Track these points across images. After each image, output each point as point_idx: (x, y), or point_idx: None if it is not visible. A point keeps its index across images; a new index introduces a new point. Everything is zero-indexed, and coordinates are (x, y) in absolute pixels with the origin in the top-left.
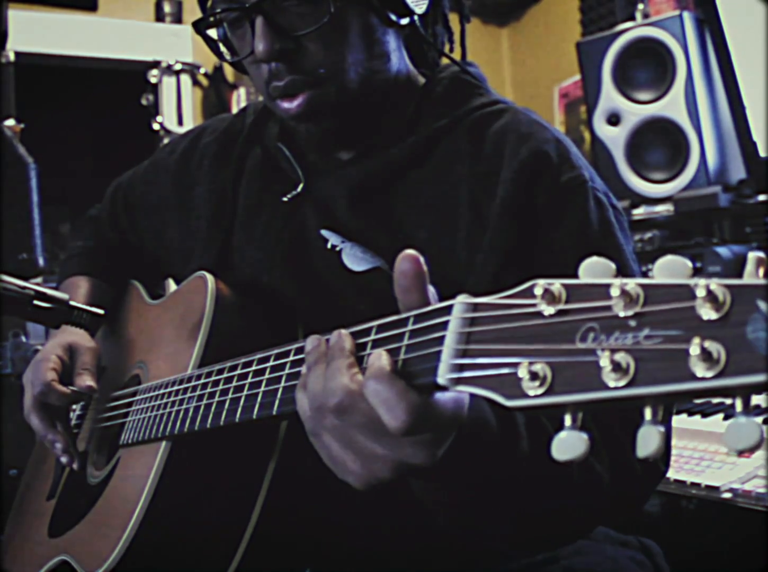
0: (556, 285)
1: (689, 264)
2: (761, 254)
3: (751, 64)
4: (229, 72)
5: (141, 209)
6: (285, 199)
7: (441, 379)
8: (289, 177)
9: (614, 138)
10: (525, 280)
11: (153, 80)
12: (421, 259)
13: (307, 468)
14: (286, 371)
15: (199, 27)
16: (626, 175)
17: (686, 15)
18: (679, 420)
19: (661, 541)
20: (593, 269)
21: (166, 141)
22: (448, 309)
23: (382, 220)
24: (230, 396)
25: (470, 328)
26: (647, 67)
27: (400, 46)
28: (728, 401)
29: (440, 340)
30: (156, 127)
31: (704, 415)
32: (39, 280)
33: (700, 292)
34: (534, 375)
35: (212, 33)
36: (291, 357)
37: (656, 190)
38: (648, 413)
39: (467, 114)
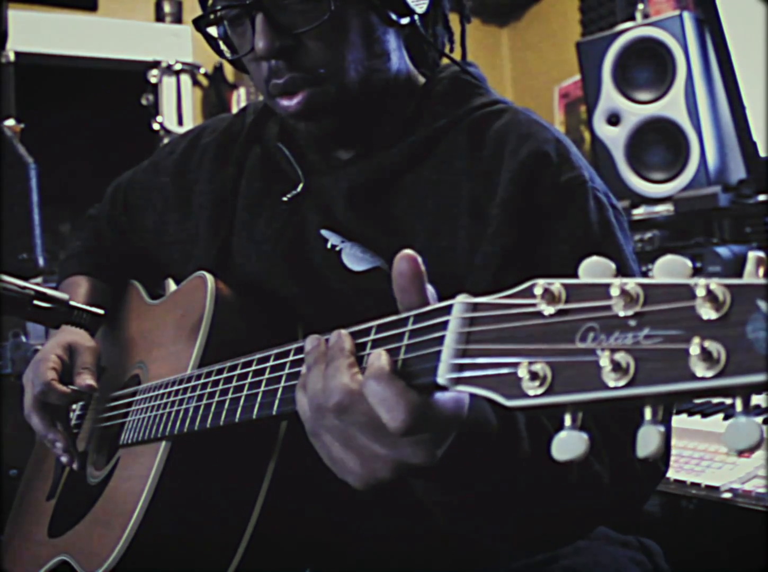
0: (556, 285)
1: (689, 264)
2: (761, 254)
3: (751, 64)
4: (229, 72)
5: (141, 209)
6: (285, 198)
7: (441, 379)
8: (289, 177)
9: (614, 138)
10: (525, 279)
11: (153, 80)
12: (419, 259)
13: (307, 468)
14: (286, 371)
15: (200, 24)
16: (626, 175)
17: (686, 15)
18: (679, 420)
19: (661, 541)
20: (593, 269)
21: (166, 141)
22: (447, 309)
23: (382, 219)
24: (230, 396)
25: (470, 328)
26: (647, 67)
27: (400, 46)
28: (728, 401)
29: (440, 340)
30: (156, 127)
31: (704, 415)
32: (39, 279)
33: (700, 292)
34: (534, 375)
35: (212, 31)
36: (291, 357)
37: (656, 190)
38: (648, 413)
39: (467, 114)
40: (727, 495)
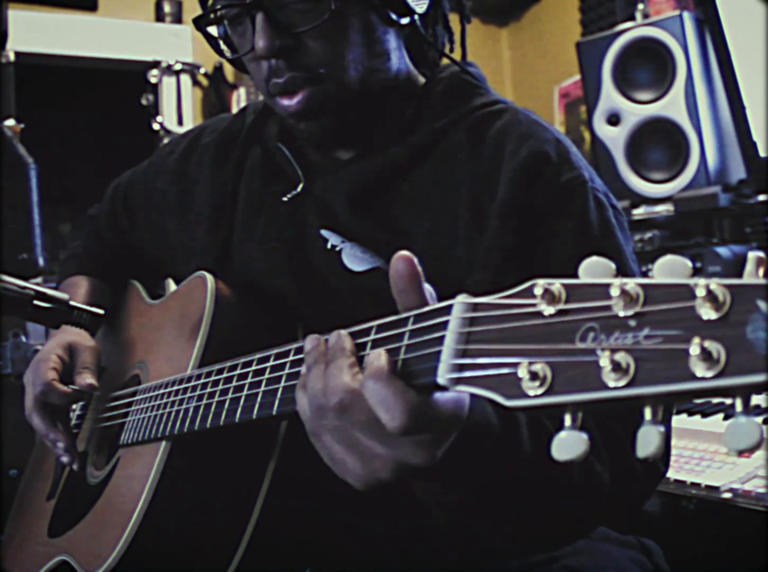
0: (556, 285)
1: (689, 264)
2: (761, 254)
3: (751, 64)
4: (229, 72)
5: (141, 209)
6: (285, 198)
7: (441, 379)
8: (289, 177)
9: (614, 138)
10: (525, 280)
11: (153, 80)
12: (415, 260)
13: (307, 468)
14: (286, 371)
15: (200, 24)
16: (626, 175)
17: (686, 15)
18: (679, 420)
19: (661, 541)
20: (593, 269)
21: (166, 141)
22: (447, 309)
23: (382, 219)
24: (230, 396)
25: (470, 328)
26: (647, 67)
27: (400, 46)
28: (728, 401)
29: (440, 340)
30: (156, 127)
31: (704, 415)
32: (39, 279)
33: (700, 292)
34: (534, 375)
35: (213, 30)
36: (291, 357)
37: (656, 190)
38: (648, 413)
39: (467, 114)
40: (727, 495)
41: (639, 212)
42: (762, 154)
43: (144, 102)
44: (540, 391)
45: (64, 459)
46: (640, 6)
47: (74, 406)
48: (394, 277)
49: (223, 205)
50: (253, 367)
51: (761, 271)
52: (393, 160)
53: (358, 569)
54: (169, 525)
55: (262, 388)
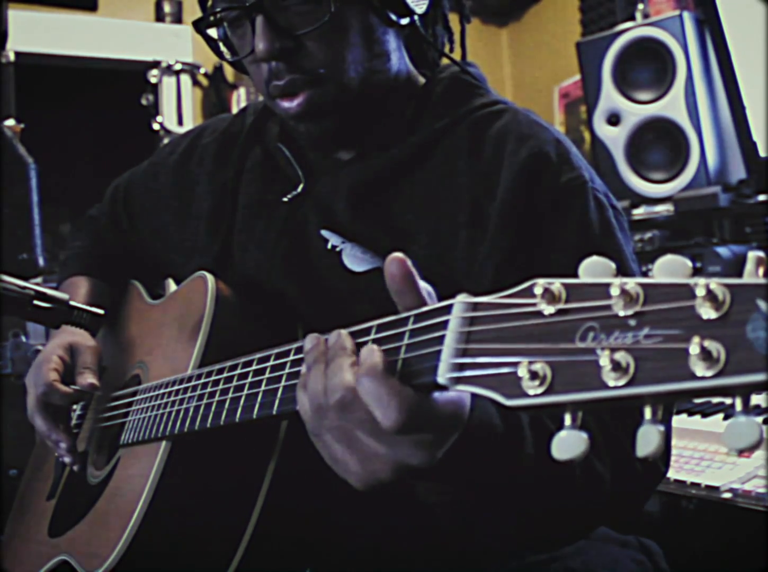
0: (556, 284)
1: (689, 263)
2: (761, 253)
3: (751, 64)
4: (229, 72)
5: (141, 209)
6: (285, 199)
7: (441, 379)
8: (289, 177)
9: (614, 138)
10: (525, 280)
11: (153, 80)
12: (408, 261)
13: (308, 468)
14: (286, 370)
15: (200, 26)
16: (626, 175)
17: (686, 15)
18: (679, 420)
19: (661, 541)
20: (593, 269)
21: (166, 141)
22: (448, 309)
23: (383, 220)
24: (230, 395)
25: (470, 328)
26: (647, 67)
27: (400, 46)
28: (728, 401)
29: (440, 340)
30: (156, 127)
31: (704, 415)
32: (39, 279)
33: (700, 292)
34: (534, 375)
35: (212, 32)
36: (291, 357)
37: (656, 190)
38: (648, 412)
39: (467, 114)
40: (727, 495)
41: (639, 212)
42: (762, 154)
43: (144, 102)
44: (540, 390)
45: (66, 459)
46: (640, 6)
47: (75, 406)
48: (389, 278)
49: (224, 206)
50: (254, 367)
51: (761, 271)
52: (393, 160)
53: (358, 569)
54: (169, 525)
55: (263, 388)
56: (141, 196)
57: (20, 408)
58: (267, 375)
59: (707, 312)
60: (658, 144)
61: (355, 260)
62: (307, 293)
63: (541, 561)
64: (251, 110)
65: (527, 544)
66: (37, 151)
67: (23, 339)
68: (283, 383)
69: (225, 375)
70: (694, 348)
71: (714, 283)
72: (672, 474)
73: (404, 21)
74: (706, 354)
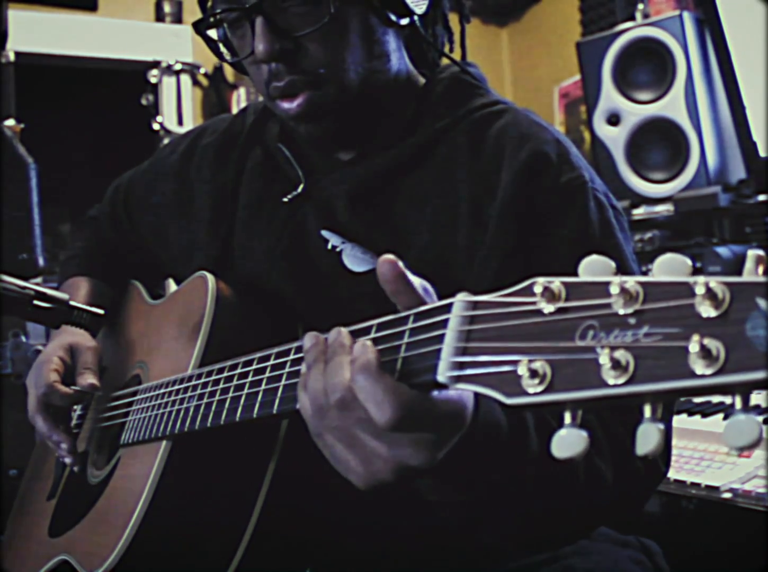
0: (556, 283)
1: (689, 262)
2: (760, 252)
3: (751, 64)
4: (229, 72)
5: (141, 209)
6: (285, 199)
7: (441, 377)
8: (289, 177)
9: (614, 138)
10: (525, 279)
11: (153, 80)
12: (400, 262)
13: (308, 468)
14: (287, 369)
15: (200, 27)
16: (626, 175)
17: (686, 15)
18: (679, 420)
19: (661, 541)
20: (593, 267)
21: (166, 141)
22: (448, 308)
23: (383, 220)
24: (231, 395)
25: (470, 326)
26: (647, 67)
27: (400, 47)
28: (728, 401)
29: (440, 338)
30: (156, 127)
31: (704, 415)
32: (39, 280)
33: (700, 290)
34: (534, 373)
35: (212, 33)
36: (291, 356)
37: (656, 190)
38: (647, 410)
39: (467, 114)
40: (727, 495)
41: (639, 212)
42: (762, 154)
43: (144, 102)
44: (540, 389)
45: (67, 460)
46: (640, 6)
47: (75, 406)
48: (382, 280)
49: (224, 206)
50: (254, 366)
51: (760, 269)
52: (393, 160)
53: (358, 569)
54: (169, 524)
55: (263, 387)
56: (141, 197)
57: (20, 408)
58: (267, 374)
59: (707, 311)
60: (658, 144)
61: (355, 260)
62: (307, 293)
63: (541, 561)
64: (251, 110)
65: (528, 543)
66: (37, 151)
67: (23, 339)
68: (283, 382)
69: (225, 374)
70: (693, 347)
71: (713, 282)
72: (672, 474)
73: (404, 21)
74: (705, 353)
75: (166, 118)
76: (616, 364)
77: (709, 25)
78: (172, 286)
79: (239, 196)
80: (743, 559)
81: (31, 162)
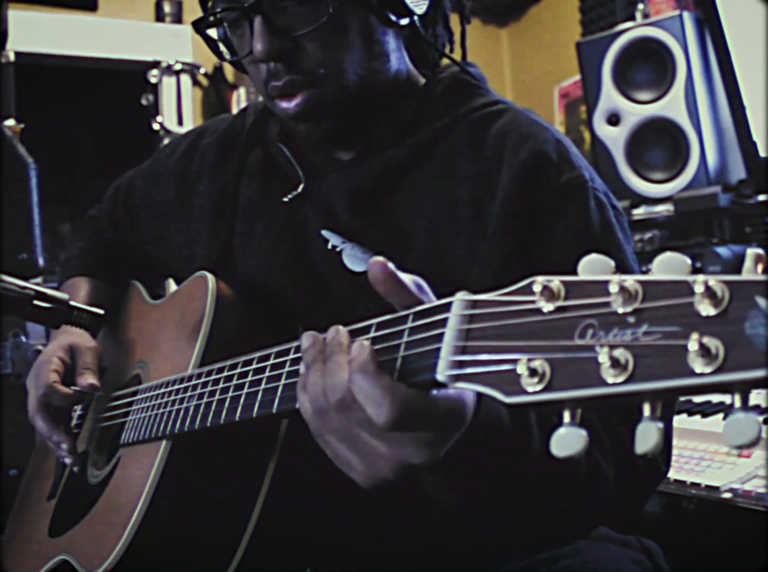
0: (555, 282)
1: (688, 260)
2: (760, 250)
3: (751, 64)
4: (229, 72)
5: (141, 210)
6: (285, 199)
7: (440, 376)
8: (289, 177)
9: (614, 138)
10: (524, 279)
11: (153, 80)
12: (389, 264)
13: (308, 467)
14: (286, 369)
15: (199, 27)
16: (626, 175)
17: (686, 15)
18: (679, 420)
19: (661, 541)
20: (592, 266)
21: (166, 141)
22: (447, 307)
23: (383, 220)
24: (230, 394)
25: (469, 325)
26: (647, 67)
27: (400, 47)
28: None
29: (439, 337)
30: (156, 127)
31: (704, 415)
32: (39, 280)
33: (699, 288)
34: (533, 372)
35: (212, 33)
36: (291, 356)
37: (656, 190)
38: (647, 409)
39: (467, 114)
40: (727, 495)
41: (639, 212)
42: (762, 154)
43: (144, 102)
44: (539, 388)
45: (67, 460)
46: (640, 6)
47: (75, 406)
48: (373, 283)
49: (224, 206)
50: (254, 366)
51: (760, 268)
52: (393, 160)
53: (359, 569)
54: (169, 524)
55: (263, 386)
56: (141, 197)
57: (20, 408)
58: (267, 373)
59: (706, 309)
60: (658, 144)
61: (355, 260)
62: (307, 293)
63: (541, 561)
64: (251, 110)
65: (530, 542)
66: (37, 151)
67: (23, 339)
68: (283, 381)
69: (225, 374)
70: (692, 345)
71: (713, 280)
72: (672, 474)
73: (404, 21)
74: (704, 351)
75: (166, 118)
76: (615, 363)
77: (709, 25)
78: (172, 285)
79: (239, 196)
80: (743, 559)
81: (31, 162)
